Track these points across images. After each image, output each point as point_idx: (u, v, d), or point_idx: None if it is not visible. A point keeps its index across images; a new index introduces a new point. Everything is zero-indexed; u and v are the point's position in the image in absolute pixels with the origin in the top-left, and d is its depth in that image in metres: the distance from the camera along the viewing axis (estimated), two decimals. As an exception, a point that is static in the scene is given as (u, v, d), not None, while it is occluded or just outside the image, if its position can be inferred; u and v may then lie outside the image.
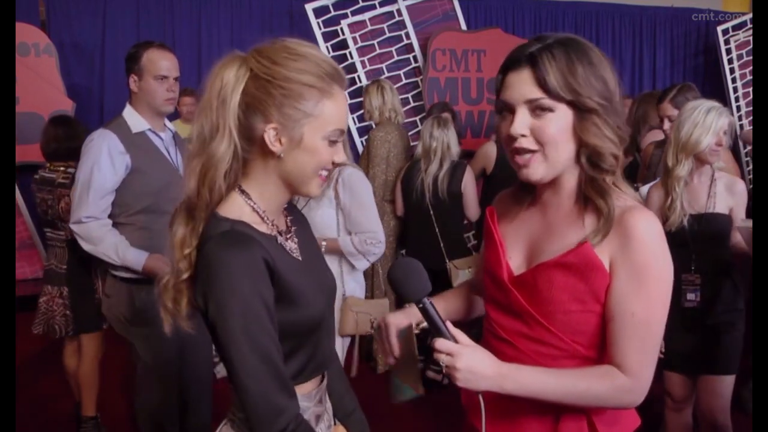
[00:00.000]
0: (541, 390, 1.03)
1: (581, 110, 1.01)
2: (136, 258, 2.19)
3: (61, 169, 2.91)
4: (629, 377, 1.03)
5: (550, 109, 1.01)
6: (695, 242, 2.26)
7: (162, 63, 2.28)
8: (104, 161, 2.18)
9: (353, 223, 2.36)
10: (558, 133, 1.02)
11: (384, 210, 3.61)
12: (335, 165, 1.09)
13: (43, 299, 2.96)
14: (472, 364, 1.00)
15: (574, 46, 1.03)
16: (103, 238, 2.19)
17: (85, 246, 2.23)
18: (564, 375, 1.04)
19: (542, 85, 1.01)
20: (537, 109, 1.02)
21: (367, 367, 3.60)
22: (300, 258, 1.15)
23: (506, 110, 1.06)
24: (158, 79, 2.26)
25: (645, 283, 1.02)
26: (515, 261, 1.15)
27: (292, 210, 1.25)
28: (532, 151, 1.04)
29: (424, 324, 1.10)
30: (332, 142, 1.06)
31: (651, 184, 2.67)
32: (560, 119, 1.02)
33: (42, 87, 4.89)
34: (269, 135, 1.03)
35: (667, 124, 2.88)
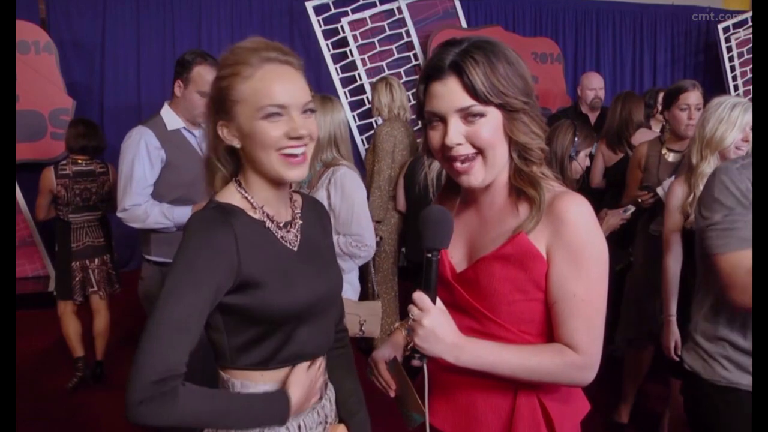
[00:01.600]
0: (496, 363, 1.05)
1: (509, 111, 1.04)
2: (183, 213, 2.32)
3: (88, 161, 3.49)
4: (580, 354, 1.05)
5: (481, 114, 1.04)
6: None
7: (208, 79, 2.34)
8: (143, 155, 2.35)
9: (341, 223, 2.32)
10: (492, 136, 1.05)
11: (388, 206, 3.60)
12: (297, 138, 1.07)
13: (80, 276, 3.46)
14: (436, 326, 1.02)
15: (490, 48, 1.04)
16: (149, 212, 2.35)
17: (136, 225, 2.39)
18: (518, 350, 1.06)
19: (471, 92, 1.02)
20: (468, 116, 1.04)
21: (367, 364, 3.60)
22: (295, 249, 1.16)
23: (436, 120, 1.08)
24: (201, 94, 2.35)
25: (582, 263, 1.04)
26: (456, 259, 1.17)
27: (309, 206, 1.27)
28: (472, 156, 1.06)
29: (408, 352, 1.11)
30: (271, 118, 1.06)
31: (669, 182, 2.60)
32: (491, 121, 1.04)
33: (42, 85, 4.89)
34: (222, 132, 1.10)
35: (696, 113, 2.70)
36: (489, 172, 1.08)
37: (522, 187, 1.08)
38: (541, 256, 1.05)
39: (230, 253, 1.03)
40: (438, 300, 1.04)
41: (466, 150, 1.05)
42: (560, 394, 1.15)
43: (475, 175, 1.07)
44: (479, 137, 1.04)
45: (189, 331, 1.00)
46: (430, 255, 1.03)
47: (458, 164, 1.07)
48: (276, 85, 1.06)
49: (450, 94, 1.04)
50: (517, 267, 1.06)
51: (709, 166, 2.17)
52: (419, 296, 1.03)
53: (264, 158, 1.08)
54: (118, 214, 2.39)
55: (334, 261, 1.29)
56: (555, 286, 1.06)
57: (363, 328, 2.40)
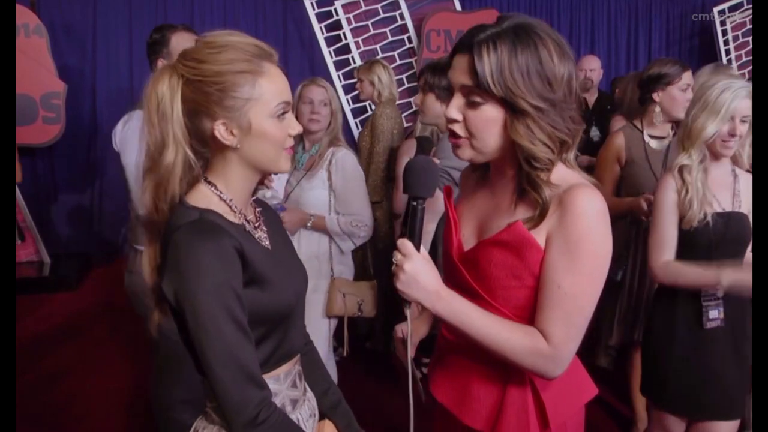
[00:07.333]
0: (467, 323, 1.06)
1: (514, 109, 1.00)
2: None
3: None
4: (550, 345, 1.04)
5: (483, 101, 1.02)
6: (719, 245, 1.86)
7: (188, 45, 2.27)
8: None
9: (342, 204, 2.40)
10: (486, 127, 1.03)
11: (387, 187, 3.58)
12: (294, 137, 1.12)
13: None
14: (418, 272, 1.03)
15: (523, 38, 0.99)
16: None
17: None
18: (493, 320, 1.06)
19: (475, 75, 1.00)
20: (471, 98, 1.03)
21: (362, 347, 3.63)
22: (269, 246, 1.16)
23: (451, 90, 1.09)
24: None
25: (576, 257, 1.01)
26: (466, 237, 1.18)
27: (261, 204, 1.26)
28: (463, 137, 1.07)
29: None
30: (281, 117, 1.08)
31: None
32: (490, 111, 1.02)
33: (33, 69, 4.84)
34: (220, 131, 1.05)
35: (687, 96, 2.45)
36: (477, 154, 1.08)
37: (526, 188, 1.06)
38: (537, 245, 1.04)
39: (235, 258, 1.01)
40: (422, 249, 1.06)
41: (459, 130, 1.07)
42: (557, 381, 1.13)
43: (463, 151, 1.09)
44: (473, 123, 1.04)
45: (247, 354, 1.00)
46: (415, 203, 1.06)
47: (452, 137, 1.09)
48: (283, 83, 1.09)
49: (460, 69, 1.03)
50: (513, 254, 1.06)
51: (689, 159, 1.85)
52: (402, 242, 1.05)
53: (272, 155, 1.09)
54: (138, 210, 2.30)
55: (295, 253, 1.29)
56: (544, 273, 1.04)
57: (361, 308, 2.46)
